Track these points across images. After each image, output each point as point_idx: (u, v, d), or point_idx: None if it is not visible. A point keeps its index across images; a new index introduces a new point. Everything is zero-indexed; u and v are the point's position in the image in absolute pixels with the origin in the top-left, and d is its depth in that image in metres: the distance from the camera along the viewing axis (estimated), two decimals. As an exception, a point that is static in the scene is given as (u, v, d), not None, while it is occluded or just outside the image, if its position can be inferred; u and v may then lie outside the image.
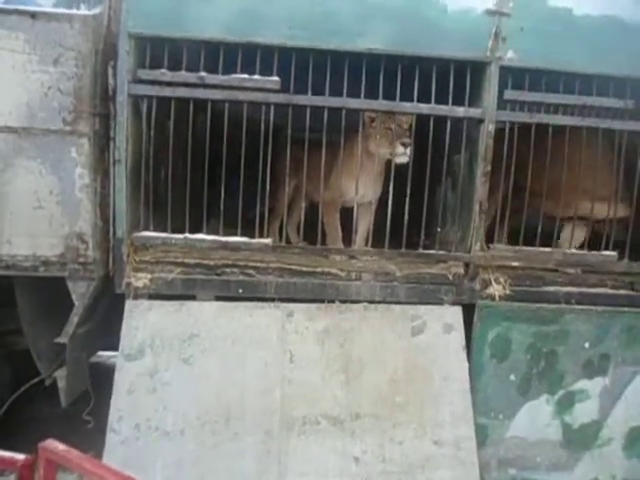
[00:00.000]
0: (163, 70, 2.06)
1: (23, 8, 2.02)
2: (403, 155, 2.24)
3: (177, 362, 2.04)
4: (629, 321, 2.26)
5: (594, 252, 2.26)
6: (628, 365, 2.28)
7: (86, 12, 2.08)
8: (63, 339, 2.17)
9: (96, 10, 2.09)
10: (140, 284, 2.13)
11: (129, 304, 2.11)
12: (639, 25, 2.13)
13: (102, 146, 2.09)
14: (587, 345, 2.26)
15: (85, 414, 2.33)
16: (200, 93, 2.09)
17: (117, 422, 1.95)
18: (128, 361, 2.03)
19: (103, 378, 2.27)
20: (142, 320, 2.08)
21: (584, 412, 2.27)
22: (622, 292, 2.31)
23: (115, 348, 2.12)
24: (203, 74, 2.07)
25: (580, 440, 2.27)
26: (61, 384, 2.25)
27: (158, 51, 2.06)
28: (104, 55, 2.06)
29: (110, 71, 2.06)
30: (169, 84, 2.07)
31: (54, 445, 1.25)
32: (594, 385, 2.27)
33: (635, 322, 2.26)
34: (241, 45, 2.05)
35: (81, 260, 2.10)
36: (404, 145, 2.22)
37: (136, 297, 2.13)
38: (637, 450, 2.29)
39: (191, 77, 2.08)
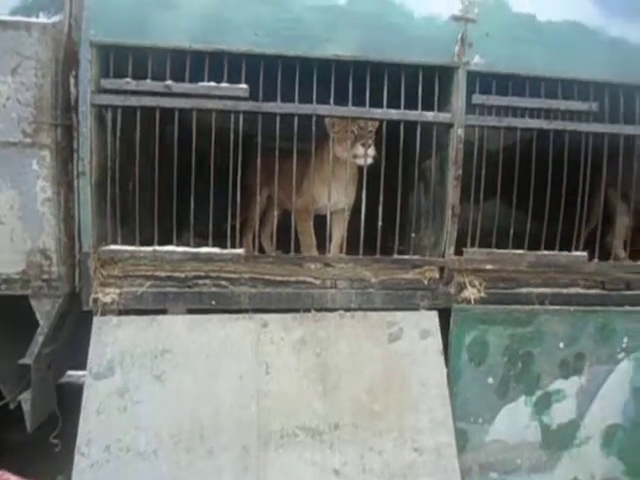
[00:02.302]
0: (127, 79, 2.01)
1: (-22, 17, 1.95)
2: (364, 157, 2.24)
3: (149, 379, 1.97)
4: (602, 320, 2.29)
5: (565, 253, 2.29)
6: (602, 364, 2.30)
7: (45, 20, 2.02)
8: (28, 360, 2.07)
9: (56, 18, 2.03)
10: (108, 299, 2.05)
11: (97, 321, 2.03)
12: (600, 30, 2.18)
13: (65, 158, 2.02)
14: (562, 345, 2.28)
15: (52, 437, 2.22)
16: (167, 102, 2.04)
17: (86, 445, 1.86)
18: (97, 380, 1.95)
19: (73, 399, 2.17)
20: (111, 337, 2.01)
21: (562, 412, 2.29)
22: (594, 291, 2.34)
23: (84, 367, 2.03)
24: (169, 82, 2.03)
25: (559, 440, 2.28)
26: (26, 407, 2.14)
27: (122, 60, 2.01)
28: (65, 64, 2.00)
29: (72, 80, 1.99)
30: (134, 93, 2.03)
31: (5, 477, 1.17)
32: (570, 385, 2.29)
33: (607, 321, 2.29)
34: (207, 53, 2.02)
35: (45, 277, 2.02)
36: (364, 146, 2.22)
37: (104, 313, 2.05)
38: (615, 448, 2.31)
39: (157, 86, 2.03)
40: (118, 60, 2.02)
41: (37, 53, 1.92)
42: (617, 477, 2.32)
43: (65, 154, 2.03)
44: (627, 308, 2.32)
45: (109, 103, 2.03)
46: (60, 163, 2.01)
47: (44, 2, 2.01)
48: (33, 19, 1.99)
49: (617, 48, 2.19)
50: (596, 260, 2.32)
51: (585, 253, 2.30)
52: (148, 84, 2.02)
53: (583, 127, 2.23)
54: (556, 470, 2.28)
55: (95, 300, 2.05)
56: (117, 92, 2.02)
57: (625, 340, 2.30)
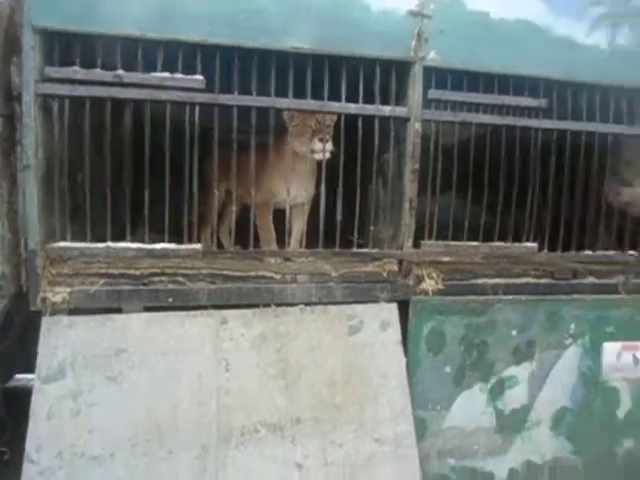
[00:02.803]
0: (75, 68, 1.92)
1: None
2: (322, 152, 2.24)
3: (103, 381, 1.90)
4: (550, 308, 2.39)
5: (517, 244, 2.37)
6: (552, 349, 2.41)
7: (-17, 3, 1.89)
8: (-29, 364, 1.96)
9: (-5, 1, 1.90)
10: (58, 299, 1.96)
11: (46, 321, 1.94)
12: (549, 28, 2.26)
13: (7, 150, 1.91)
14: (514, 333, 2.36)
15: (0, 445, 2.12)
16: (118, 92, 1.96)
17: (35, 451, 1.78)
18: (47, 383, 1.87)
19: (22, 404, 2.07)
20: (62, 338, 1.92)
21: (514, 397, 2.38)
22: (543, 281, 2.44)
23: (34, 370, 1.94)
24: (121, 72, 1.95)
25: (512, 424, 2.37)
26: (-30, 414, 2.04)
27: (69, 47, 1.91)
28: (6, 50, 1.88)
29: (13, 68, 1.88)
30: (83, 83, 1.93)
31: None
32: (522, 370, 2.38)
33: (556, 308, 2.39)
34: (161, 42, 1.95)
35: (-13, 276, 1.90)
36: (322, 141, 2.22)
37: (54, 313, 1.96)
38: (562, 429, 2.43)
39: (107, 75, 1.94)
40: (65, 47, 1.92)
41: (-26, 38, 1.80)
42: (566, 456, 2.44)
43: (7, 146, 1.91)
44: (574, 296, 2.43)
45: (55, 93, 1.93)
46: (1, 155, 1.90)
47: (-19, -17, 1.88)
48: (-31, 1, 1.86)
49: (565, 46, 2.27)
50: (545, 251, 2.42)
51: (535, 244, 2.40)
52: (97, 73, 1.93)
53: (533, 123, 2.31)
54: (509, 453, 2.38)
55: (44, 300, 1.95)
56: (64, 81, 1.92)
57: (572, 326, 2.42)
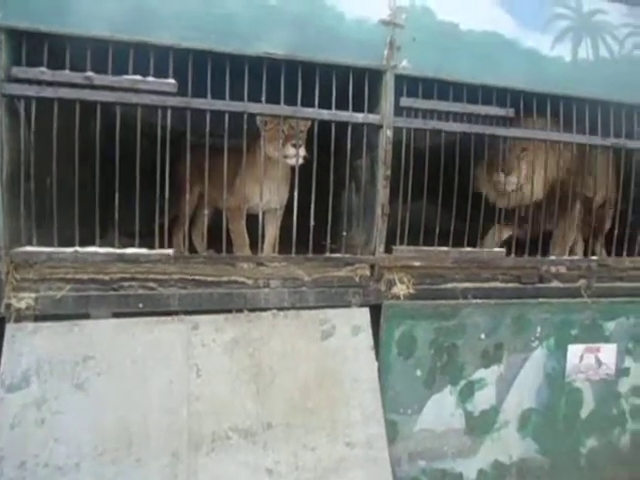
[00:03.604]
0: (42, 68, 1.88)
1: None
2: (294, 157, 2.25)
3: (69, 388, 1.85)
4: (518, 311, 2.46)
5: (485, 249, 2.43)
6: (519, 352, 2.48)
7: (-54, -1, 1.83)
8: None
9: (-41, -2, 1.85)
10: (23, 305, 1.91)
11: (10, 328, 1.88)
12: (516, 40, 2.34)
13: (-29, 152, 1.86)
14: (483, 336, 2.42)
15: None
16: (87, 94, 1.93)
17: (-2, 462, 1.73)
18: (10, 392, 1.81)
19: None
20: (26, 345, 1.87)
21: (483, 399, 2.43)
22: (511, 285, 2.51)
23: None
24: (90, 74, 1.92)
25: (481, 426, 2.43)
26: None
27: (37, 47, 1.87)
28: (-30, 49, 1.83)
29: (-22, 67, 1.83)
30: (51, 84, 1.89)
31: None
32: (491, 373, 2.44)
33: (523, 312, 2.46)
34: (132, 44, 1.93)
35: (-52, 281, 1.84)
36: (294, 147, 2.24)
37: (19, 320, 1.91)
38: (529, 430, 2.49)
39: (76, 77, 1.91)
40: (32, 47, 1.88)
41: None
42: (532, 456, 2.51)
43: (-29, 148, 1.86)
44: (540, 300, 2.51)
45: (22, 93, 1.89)
46: (-35, 157, 1.84)
47: (-56, -20, 1.82)
48: None
49: (531, 58, 2.35)
50: (513, 255, 2.49)
51: (503, 249, 2.46)
52: (66, 74, 1.90)
53: (501, 131, 2.38)
54: (479, 454, 2.43)
55: (8, 306, 1.90)
56: (31, 82, 1.88)
57: (538, 329, 2.49)
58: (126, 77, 1.95)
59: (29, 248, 1.95)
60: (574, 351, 2.54)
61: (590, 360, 2.55)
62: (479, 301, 2.42)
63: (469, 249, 2.43)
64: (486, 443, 2.44)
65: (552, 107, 2.40)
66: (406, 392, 2.32)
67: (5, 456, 1.73)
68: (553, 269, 2.58)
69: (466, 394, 2.40)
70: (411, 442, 2.33)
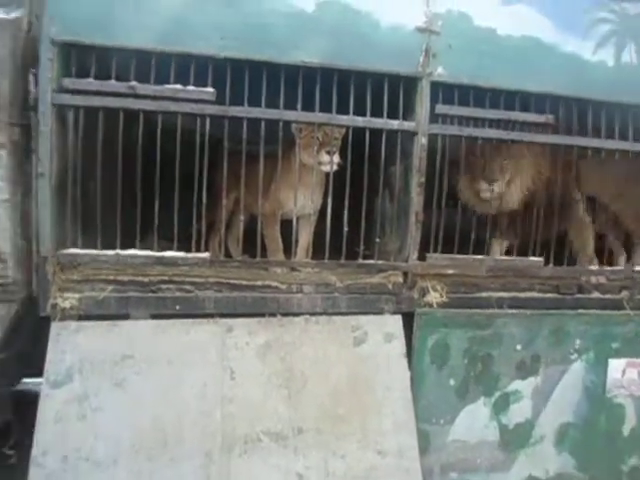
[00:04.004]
0: (90, 79, 1.96)
1: None
2: (329, 164, 2.27)
3: (109, 386, 1.92)
4: (556, 323, 2.39)
5: (522, 258, 2.38)
6: (557, 364, 2.40)
7: (4, 16, 1.95)
8: (-20, 367, 1.99)
9: (16, 14, 1.96)
10: (67, 305, 1.99)
11: (55, 326, 1.97)
12: (556, 45, 2.29)
13: (22, 158, 1.95)
14: (519, 347, 2.36)
15: (7, 448, 2.14)
16: (131, 103, 2.01)
17: (42, 455, 1.80)
18: (54, 388, 1.89)
19: (29, 407, 2.10)
20: (70, 343, 1.95)
21: (518, 412, 2.37)
22: (549, 295, 2.44)
23: (41, 374, 1.97)
24: (134, 84, 2.00)
25: (515, 440, 2.36)
26: (-22, 417, 2.07)
27: (85, 59, 1.96)
28: (24, 62, 1.93)
29: (31, 79, 1.93)
30: (97, 94, 1.98)
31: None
32: (527, 385, 2.37)
33: (561, 323, 2.39)
34: (173, 55, 2.00)
35: (0, 281, 1.94)
36: (329, 153, 2.25)
37: (63, 319, 1.99)
38: (566, 445, 2.41)
39: (121, 87, 1.99)
40: (81, 59, 1.97)
41: (-7, 50, 1.86)
42: (569, 472, 2.42)
43: (22, 154, 1.96)
44: (579, 311, 2.43)
45: (71, 103, 1.98)
46: (16, 163, 1.95)
47: (2, -3, 1.94)
48: (-10, 14, 1.92)
49: (572, 63, 2.30)
50: (551, 265, 2.42)
51: (541, 258, 2.40)
52: (112, 85, 1.98)
53: (540, 138, 2.33)
54: (513, 468, 2.36)
55: (53, 305, 1.98)
56: (79, 92, 1.97)
57: (577, 342, 2.41)
58: (167, 86, 2.02)
59: (74, 250, 2.04)
60: (615, 365, 2.44)
61: (633, 375, 2.45)
62: (515, 311, 2.36)
63: (504, 257, 2.39)
64: (521, 457, 2.38)
65: (593, 113, 2.33)
66: (439, 402, 2.28)
67: (49, 449, 1.81)
68: (593, 279, 2.50)
69: (501, 406, 2.35)
70: (443, 453, 2.29)
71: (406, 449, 2.07)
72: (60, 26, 1.91)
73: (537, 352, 2.38)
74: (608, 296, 2.50)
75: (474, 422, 2.32)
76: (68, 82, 1.95)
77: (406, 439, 2.08)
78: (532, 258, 2.39)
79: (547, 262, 2.41)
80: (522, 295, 2.41)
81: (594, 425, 2.44)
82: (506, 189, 2.51)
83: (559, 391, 2.40)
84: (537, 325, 2.37)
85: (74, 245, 2.06)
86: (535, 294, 2.43)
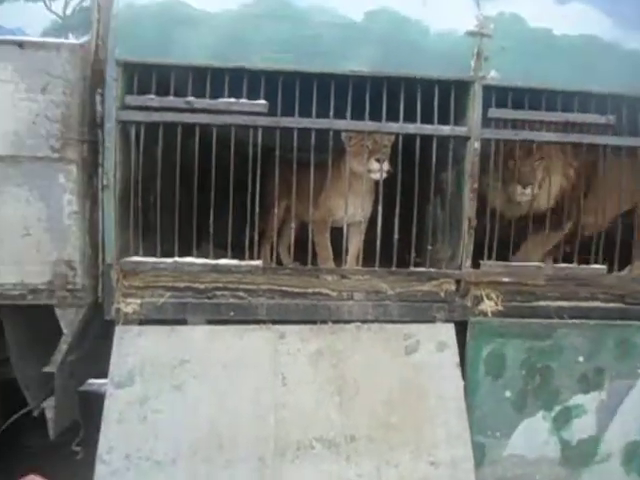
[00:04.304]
0: (151, 96, 2.08)
1: (11, 38, 2.04)
2: (378, 171, 2.27)
3: (168, 389, 2.00)
4: (621, 334, 2.26)
5: (583, 265, 2.27)
6: (623, 379, 2.27)
7: (74, 41, 2.11)
8: (51, 368, 2.13)
9: (84, 39, 2.11)
10: (130, 310, 2.10)
11: (119, 330, 2.08)
12: (616, 43, 2.19)
13: (90, 172, 2.09)
14: (581, 359, 2.25)
15: (74, 444, 2.27)
16: (188, 117, 2.10)
17: (107, 453, 1.90)
18: (118, 389, 2.00)
19: (94, 407, 2.22)
20: (132, 346, 2.05)
21: (582, 428, 2.25)
22: (613, 305, 2.31)
23: (106, 376, 2.08)
24: (191, 99, 2.09)
25: (579, 457, 2.24)
26: (49, 414, 2.20)
27: (146, 77, 2.08)
28: (92, 82, 2.07)
29: (98, 98, 2.07)
30: (157, 109, 2.09)
31: (36, 480, 1.21)
32: (590, 400, 2.25)
33: (627, 335, 2.26)
34: (227, 70, 2.08)
35: (69, 287, 2.07)
36: (378, 161, 2.25)
37: (126, 323, 2.10)
38: (635, 465, 2.26)
39: (179, 102, 2.09)
40: (142, 77, 2.09)
41: (66, 72, 2.00)
42: (639, 495, 2.27)
43: (90, 169, 2.10)
44: (648, 322, 2.29)
45: (133, 119, 2.10)
46: (86, 177, 2.08)
47: (73, 24, 2.10)
48: (62, 40, 2.08)
49: (634, 61, 2.19)
50: (615, 273, 2.30)
51: (604, 266, 2.28)
52: (170, 100, 2.09)
53: (601, 140, 2.22)
54: (576, 487, 2.25)
55: (117, 310, 2.10)
56: (141, 108, 2.09)
57: (646, 355, 2.27)
58: (222, 100, 2.10)
59: (136, 258, 2.15)
60: (690, 381, 2.27)
61: None
62: (576, 321, 2.25)
63: (564, 265, 2.29)
64: (584, 476, 2.25)
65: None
66: (494, 414, 2.21)
67: (113, 447, 1.91)
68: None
69: (562, 421, 2.24)
70: (499, 467, 2.21)
71: (460, 460, 2.01)
72: (124, 47, 2.04)
73: (601, 365, 2.25)
74: (681, 306, 2.34)
75: (533, 436, 2.23)
76: (131, 99, 2.08)
77: (460, 450, 2.03)
78: (594, 265, 2.28)
79: (610, 270, 2.29)
80: (584, 304, 2.30)
81: (667, 445, 2.28)
82: (538, 190, 2.41)
83: (626, 407, 2.26)
84: (601, 336, 2.25)
85: (136, 253, 2.17)
86: (598, 303, 2.31)
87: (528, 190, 2.36)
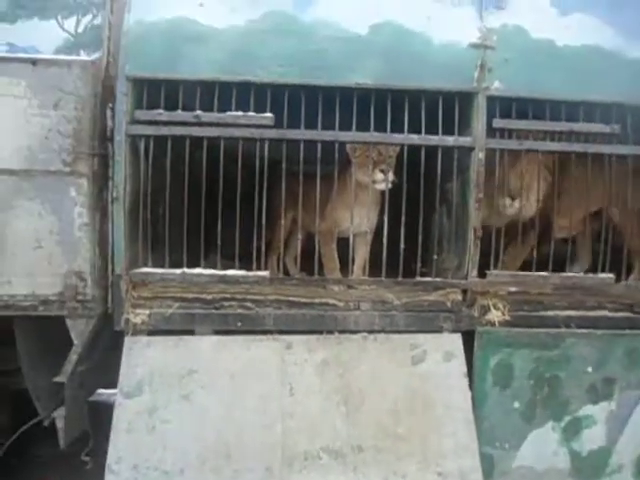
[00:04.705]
0: (160, 110, 2.12)
1: (24, 56, 2.10)
2: (383, 182, 2.29)
3: (176, 399, 2.02)
4: (631, 344, 2.24)
5: (591, 275, 2.26)
6: (633, 389, 2.24)
7: (85, 58, 2.17)
8: (62, 378, 2.16)
9: (95, 55, 2.18)
10: (139, 320, 2.13)
11: (128, 340, 2.10)
12: (619, 52, 2.20)
13: (101, 185, 2.14)
14: (590, 369, 2.23)
15: (84, 454, 2.29)
16: (196, 131, 2.14)
17: (116, 462, 1.92)
18: (127, 399, 2.02)
19: (103, 417, 2.25)
20: (141, 356, 2.07)
21: (592, 439, 2.23)
22: (621, 314, 2.29)
23: (115, 386, 2.10)
24: (199, 112, 2.14)
25: (589, 468, 2.22)
26: (60, 424, 2.23)
27: (155, 92, 2.13)
28: (103, 98, 2.13)
29: (108, 113, 2.12)
30: (166, 123, 2.13)
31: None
32: (600, 410, 2.23)
33: (636, 344, 2.23)
34: (235, 84, 2.12)
35: (80, 298, 2.11)
36: (383, 172, 2.27)
37: (135, 333, 2.13)
38: (648, 477, 2.23)
39: (187, 116, 2.14)
40: (151, 92, 2.14)
41: (77, 88, 2.06)
42: (652, 508, 2.24)
43: (101, 182, 2.14)
44: (658, 332, 2.27)
45: (142, 133, 2.14)
46: (96, 190, 2.13)
47: (85, 41, 2.17)
48: (74, 57, 2.14)
49: (636, 69, 2.20)
50: (623, 282, 2.28)
51: (612, 275, 2.27)
52: (179, 115, 2.13)
53: (606, 149, 2.23)
54: (587, 499, 2.22)
55: (127, 321, 2.12)
56: (150, 123, 2.13)
57: (656, 365, 2.24)
58: (229, 113, 2.14)
59: (145, 269, 2.18)
60: (702, 391, 2.24)
61: None
62: (584, 331, 2.24)
63: (571, 274, 2.29)
64: (596, 488, 2.23)
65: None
66: (503, 424, 2.19)
67: (122, 457, 1.92)
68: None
69: (571, 432, 2.22)
70: (508, 479, 2.19)
71: (468, 471, 2.00)
72: (134, 64, 2.09)
73: (610, 375, 2.23)
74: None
75: (542, 448, 2.21)
76: (140, 114, 2.12)
77: (468, 461, 2.01)
78: (602, 275, 2.27)
79: (618, 278, 2.28)
80: (591, 314, 2.28)
81: (679, 456, 2.24)
82: (525, 201, 2.39)
83: (637, 417, 2.24)
84: (609, 346, 2.23)
85: (145, 264, 2.21)
86: (606, 313, 2.29)
87: (517, 203, 2.36)
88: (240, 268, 2.22)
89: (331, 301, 2.23)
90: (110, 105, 2.11)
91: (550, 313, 2.28)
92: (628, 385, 2.24)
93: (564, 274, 2.28)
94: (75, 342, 2.13)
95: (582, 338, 2.23)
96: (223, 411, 2.01)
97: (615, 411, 2.23)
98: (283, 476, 1.93)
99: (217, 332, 2.16)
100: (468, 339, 2.21)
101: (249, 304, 2.19)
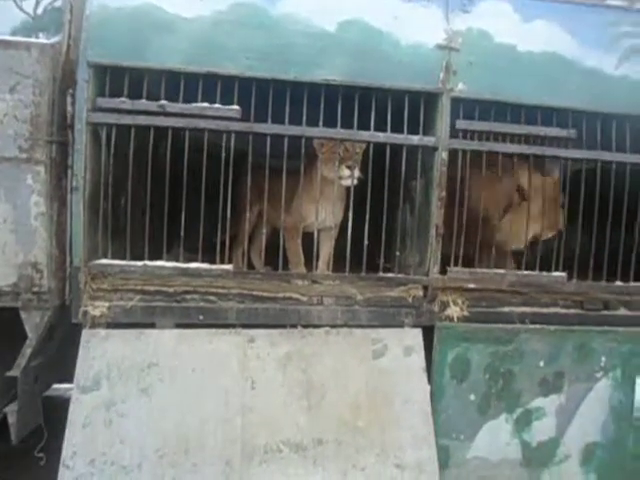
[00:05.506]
0: (123, 98, 2.07)
1: (-21, 36, 2.01)
2: (349, 178, 2.32)
3: (135, 393, 1.99)
4: (580, 339, 2.35)
5: (545, 273, 2.36)
6: (581, 382, 2.35)
7: (45, 40, 2.09)
8: (15, 372, 2.09)
9: (55, 39, 2.10)
10: (97, 313, 2.08)
11: (86, 333, 2.05)
12: (577, 60, 2.29)
13: (59, 174, 2.07)
14: (542, 364, 2.33)
15: (37, 450, 2.23)
16: (160, 121, 2.11)
17: (71, 458, 1.87)
18: (83, 393, 1.97)
19: (58, 412, 2.19)
20: (99, 350, 2.03)
21: (542, 430, 2.33)
22: (572, 311, 2.40)
23: (72, 380, 2.05)
24: (164, 102, 2.10)
25: (539, 458, 2.32)
26: (12, 419, 2.16)
27: (118, 80, 2.07)
28: (62, 83, 2.06)
29: (68, 99, 2.05)
30: (129, 112, 2.08)
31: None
32: (550, 403, 2.33)
33: (586, 340, 2.35)
34: (201, 75, 2.09)
35: (35, 289, 2.05)
36: (349, 168, 2.30)
37: (93, 326, 2.08)
38: (593, 465, 2.35)
39: (151, 105, 2.10)
40: (114, 80, 2.08)
41: (35, 72, 1.99)
42: (596, 495, 2.36)
43: (59, 170, 2.08)
44: (605, 328, 2.38)
45: (104, 121, 2.09)
46: (54, 178, 2.06)
47: (44, 23, 2.08)
48: (33, 39, 2.06)
49: (593, 78, 2.30)
50: (575, 280, 2.39)
51: (564, 273, 2.37)
52: (143, 104, 2.09)
53: (561, 153, 2.32)
54: (536, 488, 2.32)
55: (84, 313, 2.07)
56: (112, 111, 2.08)
57: (603, 359, 2.36)
58: (195, 104, 2.11)
59: (104, 261, 2.13)
60: (644, 384, 2.38)
61: (662, 395, 2.38)
62: (538, 326, 2.33)
63: (527, 272, 2.37)
64: (544, 476, 2.33)
65: (617, 127, 2.31)
66: (459, 417, 2.26)
67: (78, 452, 1.88)
68: (620, 296, 2.45)
69: (523, 423, 2.31)
70: (463, 470, 2.27)
71: (425, 463, 2.06)
72: (96, 49, 2.03)
73: (561, 369, 2.34)
74: (637, 313, 2.44)
75: (496, 439, 2.29)
76: (102, 101, 2.07)
77: (425, 453, 2.07)
78: (555, 273, 2.37)
79: (570, 277, 2.38)
80: (545, 310, 2.38)
81: (622, 446, 2.37)
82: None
83: (584, 410, 2.35)
84: (561, 341, 2.34)
85: (104, 256, 2.16)
86: (558, 309, 2.40)
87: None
88: (204, 261, 2.20)
89: (295, 295, 2.24)
90: (70, 91, 2.05)
91: (506, 309, 2.36)
92: (577, 378, 2.35)
93: (520, 272, 2.36)
94: (29, 335, 2.06)
95: (535, 334, 2.32)
96: (183, 405, 1.99)
97: (564, 403, 2.34)
98: (243, 469, 1.93)
99: (179, 325, 2.14)
100: (428, 334, 2.27)
101: (212, 297, 2.17)
